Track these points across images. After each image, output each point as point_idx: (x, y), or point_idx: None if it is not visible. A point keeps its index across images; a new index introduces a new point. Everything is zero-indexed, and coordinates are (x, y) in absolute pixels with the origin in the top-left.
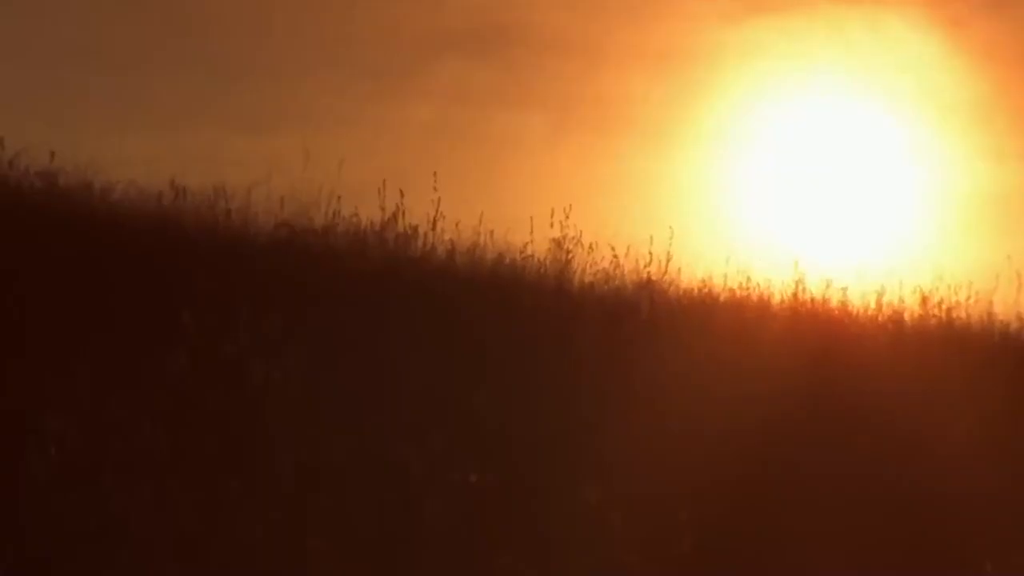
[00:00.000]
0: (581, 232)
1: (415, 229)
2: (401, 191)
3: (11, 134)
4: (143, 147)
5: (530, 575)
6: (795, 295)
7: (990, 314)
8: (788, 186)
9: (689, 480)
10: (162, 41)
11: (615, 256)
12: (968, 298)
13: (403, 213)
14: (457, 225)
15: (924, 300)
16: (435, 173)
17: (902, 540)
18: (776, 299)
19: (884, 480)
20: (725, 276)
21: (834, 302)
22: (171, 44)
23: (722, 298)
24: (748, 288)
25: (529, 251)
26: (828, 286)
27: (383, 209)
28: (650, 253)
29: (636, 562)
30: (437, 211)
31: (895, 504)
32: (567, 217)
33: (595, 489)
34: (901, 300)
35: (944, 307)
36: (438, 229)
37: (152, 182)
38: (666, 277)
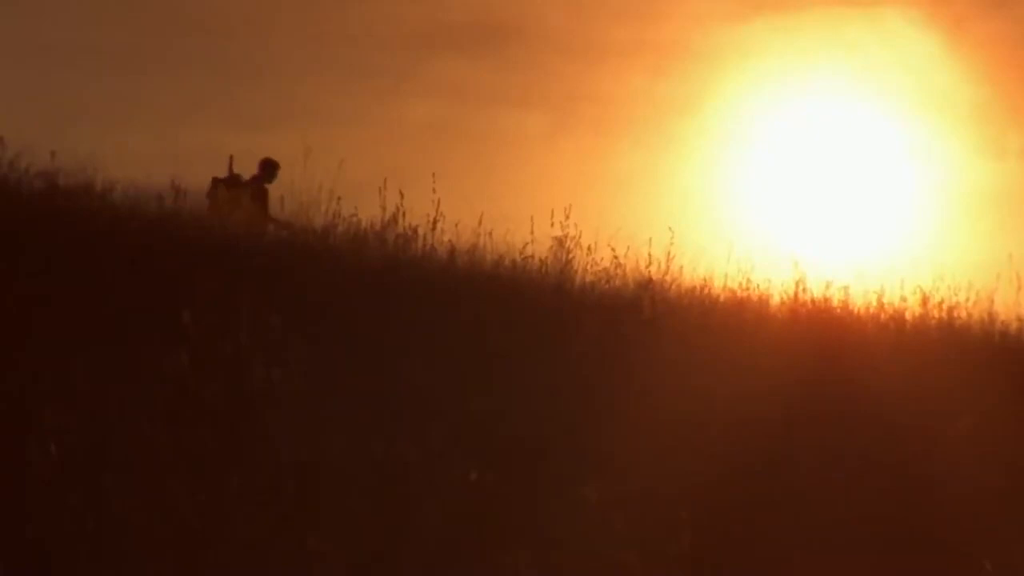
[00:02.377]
0: (581, 232)
1: (415, 230)
2: (401, 192)
3: (12, 134)
4: (143, 147)
5: (530, 575)
6: (795, 295)
7: (991, 314)
8: (788, 186)
9: (689, 480)
10: (162, 42)
11: (615, 256)
12: (968, 298)
13: (403, 214)
14: (457, 225)
15: (924, 300)
16: (434, 174)
17: (902, 539)
18: (776, 299)
19: (884, 480)
20: (725, 276)
21: (834, 302)
22: (171, 45)
23: (722, 298)
24: (748, 288)
25: (529, 251)
26: (828, 286)
27: (383, 209)
28: (650, 253)
29: (636, 561)
30: (437, 211)
31: (895, 504)
32: (567, 217)
33: (595, 489)
34: (902, 300)
35: (945, 307)
36: (438, 229)
37: (152, 182)
38: (667, 277)
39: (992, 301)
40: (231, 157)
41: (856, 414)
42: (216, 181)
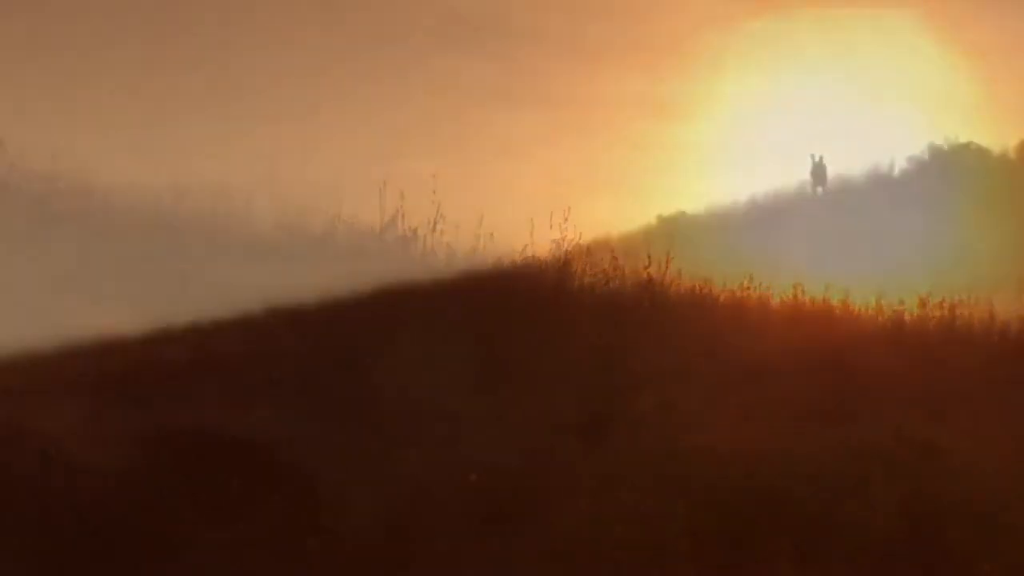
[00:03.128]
0: (580, 234)
1: (414, 231)
2: (402, 193)
3: (12, 135)
4: (144, 147)
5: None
6: (795, 297)
7: (991, 314)
8: (787, 186)
9: (690, 480)
10: (164, 42)
11: (614, 257)
12: (968, 298)
13: (403, 216)
14: (457, 227)
15: (923, 302)
16: (434, 176)
17: (901, 540)
18: (776, 301)
19: (884, 482)
20: (725, 277)
21: (834, 303)
22: (172, 44)
23: (722, 299)
24: (748, 289)
25: (529, 252)
26: (828, 288)
27: (382, 212)
28: (649, 254)
29: (635, 564)
30: (437, 213)
31: (895, 507)
32: (566, 220)
33: (595, 490)
34: (901, 302)
35: (945, 307)
36: (437, 231)
37: (152, 182)
38: (666, 278)
39: (991, 302)
40: None
41: (856, 414)
42: None
